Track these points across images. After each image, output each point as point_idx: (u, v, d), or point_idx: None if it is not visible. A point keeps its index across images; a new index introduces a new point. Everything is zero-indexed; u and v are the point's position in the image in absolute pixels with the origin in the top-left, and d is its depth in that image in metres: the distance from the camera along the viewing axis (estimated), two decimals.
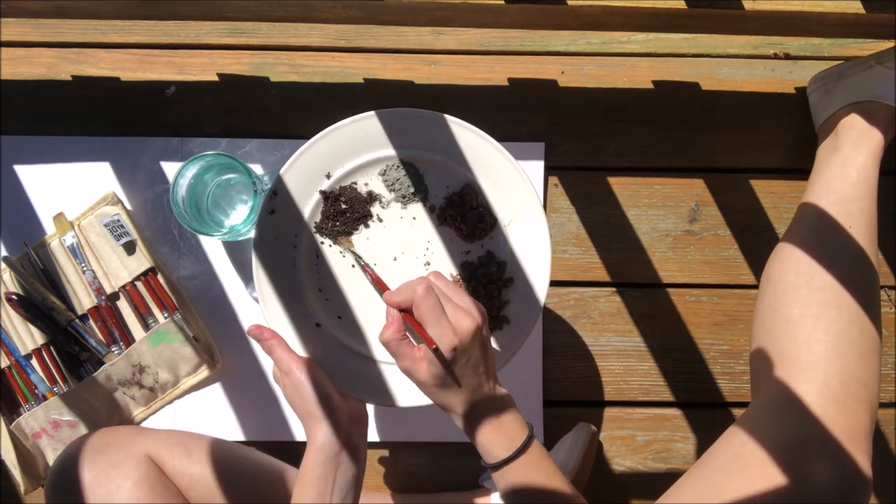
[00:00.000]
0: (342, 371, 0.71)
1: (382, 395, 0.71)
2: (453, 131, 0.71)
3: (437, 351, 0.58)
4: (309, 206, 0.71)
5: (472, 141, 0.71)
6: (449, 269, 0.73)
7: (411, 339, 0.62)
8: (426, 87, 0.94)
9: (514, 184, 0.71)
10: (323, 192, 0.71)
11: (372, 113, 0.70)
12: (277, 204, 0.70)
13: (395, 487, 0.93)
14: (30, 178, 0.91)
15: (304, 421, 0.66)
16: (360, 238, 0.72)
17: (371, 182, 0.72)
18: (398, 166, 0.72)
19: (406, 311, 0.61)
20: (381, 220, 0.72)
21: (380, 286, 0.69)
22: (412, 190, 0.72)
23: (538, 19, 0.77)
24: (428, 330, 0.59)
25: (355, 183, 0.72)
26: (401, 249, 0.72)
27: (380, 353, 0.72)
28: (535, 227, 0.71)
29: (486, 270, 0.72)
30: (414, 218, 0.73)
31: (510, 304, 0.72)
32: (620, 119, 0.94)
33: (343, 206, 0.72)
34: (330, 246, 0.72)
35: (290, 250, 0.71)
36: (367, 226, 0.72)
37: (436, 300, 0.59)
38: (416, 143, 0.71)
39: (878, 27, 0.77)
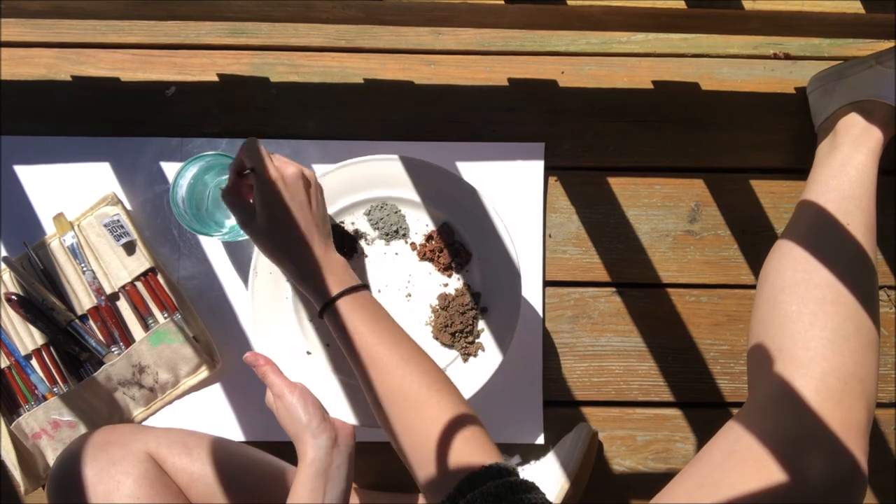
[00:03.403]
0: (331, 395, 0.77)
1: (370, 419, 0.77)
2: (431, 174, 0.77)
3: (260, 177, 0.65)
4: None
5: (449, 181, 0.77)
6: (428, 299, 0.79)
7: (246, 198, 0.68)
8: (426, 87, 0.94)
9: (488, 221, 0.77)
10: None
11: (358, 159, 0.77)
12: None
13: (395, 487, 0.93)
14: (30, 178, 0.91)
15: (295, 441, 0.69)
16: None
17: (357, 221, 0.79)
18: (382, 206, 0.79)
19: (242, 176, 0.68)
20: (366, 256, 0.80)
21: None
22: (395, 228, 0.79)
23: (538, 19, 0.77)
24: (262, 168, 0.66)
25: (343, 222, 0.79)
26: (384, 282, 0.79)
27: None
28: (508, 262, 0.77)
29: (462, 301, 0.78)
30: (396, 253, 0.80)
31: (485, 333, 0.78)
32: (620, 119, 0.94)
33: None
34: None
35: (283, 284, 0.78)
36: (352, 260, 0.79)
37: (260, 146, 0.66)
38: (398, 185, 0.78)
39: (878, 27, 0.77)
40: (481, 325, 0.78)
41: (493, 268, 0.78)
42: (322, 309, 0.67)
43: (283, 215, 0.66)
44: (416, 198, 0.78)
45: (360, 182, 0.78)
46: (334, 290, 0.66)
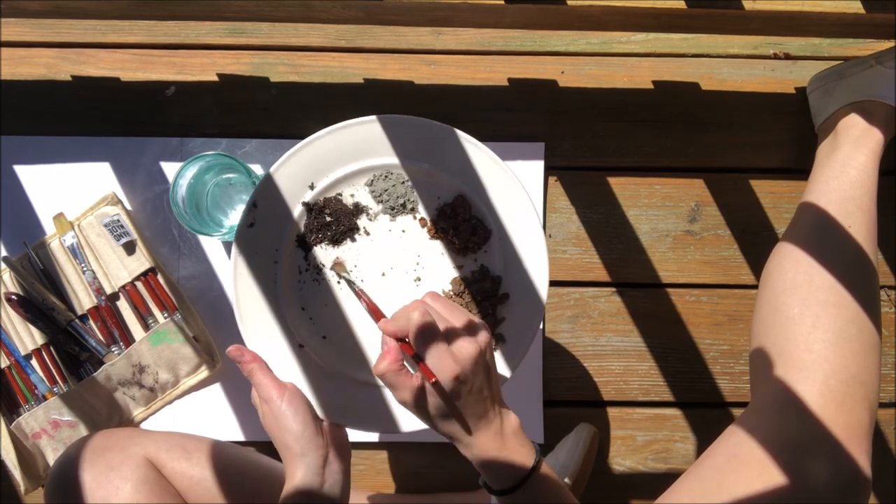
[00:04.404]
0: (326, 396, 0.67)
1: (371, 422, 0.67)
2: (444, 139, 0.67)
3: (436, 384, 0.54)
4: (291, 219, 0.68)
5: (465, 149, 0.67)
6: (441, 284, 0.69)
7: (409, 369, 0.58)
8: (426, 87, 0.94)
9: (509, 194, 0.67)
10: (306, 204, 0.67)
11: (358, 120, 0.66)
12: (257, 217, 0.67)
13: (396, 487, 0.93)
14: (30, 178, 0.91)
15: (282, 454, 0.62)
16: (346, 253, 0.69)
17: (358, 193, 0.68)
18: (386, 176, 0.68)
19: (403, 341, 0.57)
20: (368, 234, 0.69)
21: (375, 314, 0.63)
22: (401, 201, 0.68)
23: (538, 19, 0.77)
24: (426, 361, 0.55)
25: (341, 194, 0.68)
26: (389, 264, 0.69)
27: (369, 376, 0.68)
28: (532, 240, 0.67)
29: (480, 286, 0.68)
30: (403, 231, 0.69)
31: (506, 322, 0.68)
32: (620, 119, 0.94)
33: (328, 219, 0.68)
34: (319, 261, 0.69)
35: (271, 266, 0.67)
36: (353, 239, 0.68)
37: (433, 327, 0.55)
38: (405, 152, 0.67)
39: (878, 27, 0.77)
40: (501, 313, 0.68)
41: (515, 248, 0.67)
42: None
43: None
44: (426, 165, 0.67)
45: (361, 148, 0.67)
46: (507, 480, 0.58)
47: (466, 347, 0.55)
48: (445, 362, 0.54)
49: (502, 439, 0.58)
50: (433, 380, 0.54)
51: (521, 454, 0.58)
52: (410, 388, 0.56)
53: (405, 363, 0.58)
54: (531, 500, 0.58)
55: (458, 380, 0.55)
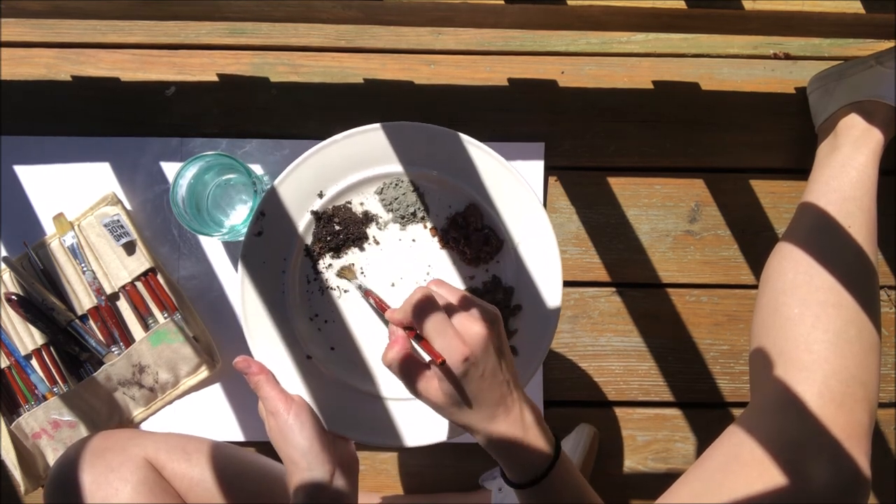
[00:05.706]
0: (335, 408, 0.66)
1: (381, 435, 0.66)
2: (456, 147, 0.66)
3: (444, 366, 0.52)
4: (299, 227, 0.67)
5: (477, 157, 0.66)
6: None
7: (419, 358, 0.56)
8: (426, 88, 0.94)
9: (521, 202, 0.66)
10: (315, 213, 0.67)
11: (368, 127, 0.66)
12: (265, 225, 0.66)
13: (397, 488, 0.93)
14: (30, 178, 0.91)
15: (288, 468, 0.61)
16: (356, 262, 0.68)
17: (367, 201, 0.68)
18: (397, 184, 0.67)
19: (410, 329, 0.56)
20: (377, 243, 0.68)
21: (383, 310, 0.63)
22: (412, 210, 0.68)
23: (538, 19, 0.77)
24: (434, 343, 0.53)
25: (350, 202, 0.68)
26: (399, 274, 0.68)
27: (378, 387, 0.67)
28: (546, 250, 0.67)
29: (493, 297, 0.67)
30: (413, 240, 0.68)
31: (518, 334, 0.67)
32: (620, 119, 0.94)
33: (336, 228, 0.67)
34: (327, 270, 0.68)
35: (279, 276, 0.67)
36: (362, 248, 0.68)
37: (439, 309, 0.54)
38: (416, 160, 0.67)
39: (878, 27, 0.77)
40: (514, 325, 0.67)
41: (528, 258, 0.67)
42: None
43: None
44: (437, 173, 0.67)
45: (371, 155, 0.66)
46: (528, 473, 0.56)
47: (474, 328, 0.53)
48: (453, 343, 0.52)
49: (523, 428, 0.55)
50: (440, 360, 0.52)
51: (541, 447, 0.56)
52: (422, 376, 0.54)
53: (415, 354, 0.56)
54: (552, 497, 0.56)
55: (467, 361, 0.52)
